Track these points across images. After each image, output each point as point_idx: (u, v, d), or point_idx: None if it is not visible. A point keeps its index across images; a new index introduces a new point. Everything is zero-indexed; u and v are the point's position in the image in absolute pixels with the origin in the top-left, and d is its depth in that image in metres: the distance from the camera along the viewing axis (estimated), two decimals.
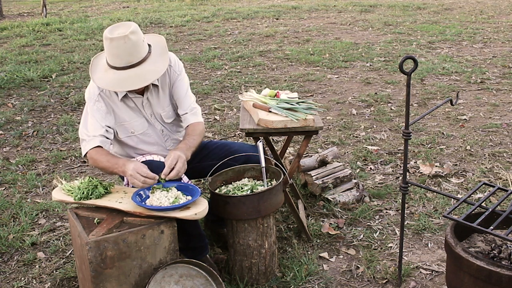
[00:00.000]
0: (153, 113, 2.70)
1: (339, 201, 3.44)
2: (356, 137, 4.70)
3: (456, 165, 4.04)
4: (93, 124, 2.56)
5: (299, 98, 3.19)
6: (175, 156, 2.41)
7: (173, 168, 2.39)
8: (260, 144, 2.71)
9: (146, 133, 2.70)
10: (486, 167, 3.95)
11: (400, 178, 3.84)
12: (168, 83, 2.72)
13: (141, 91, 2.63)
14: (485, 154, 4.21)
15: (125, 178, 2.63)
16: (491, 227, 2.04)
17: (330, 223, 3.24)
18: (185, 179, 2.65)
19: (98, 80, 2.50)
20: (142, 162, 2.57)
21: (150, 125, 2.71)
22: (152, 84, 2.62)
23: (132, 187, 2.54)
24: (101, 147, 2.54)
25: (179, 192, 2.42)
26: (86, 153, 2.56)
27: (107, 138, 2.57)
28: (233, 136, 4.85)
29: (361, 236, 3.12)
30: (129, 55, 2.41)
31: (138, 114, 2.66)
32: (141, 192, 2.42)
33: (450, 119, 5.03)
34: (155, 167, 2.51)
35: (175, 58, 2.74)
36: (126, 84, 2.44)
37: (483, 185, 2.49)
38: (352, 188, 3.56)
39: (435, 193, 3.52)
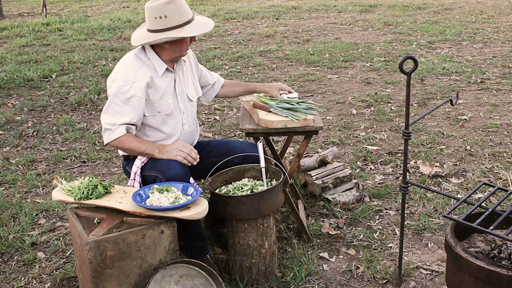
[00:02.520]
0: (181, 92, 2.77)
1: (339, 201, 3.44)
2: (356, 137, 4.70)
3: (456, 165, 4.04)
4: (120, 111, 2.55)
5: (299, 98, 3.19)
6: (277, 84, 3.09)
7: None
8: (260, 145, 2.71)
9: (170, 114, 2.71)
10: (486, 167, 3.95)
11: (400, 178, 3.84)
12: (191, 65, 2.89)
13: (172, 66, 2.72)
14: (485, 154, 4.21)
15: (132, 173, 2.64)
16: (491, 227, 2.04)
17: (330, 223, 3.24)
18: (190, 180, 2.64)
19: (178, 33, 2.55)
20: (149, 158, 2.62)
21: (175, 107, 2.73)
22: (182, 60, 2.78)
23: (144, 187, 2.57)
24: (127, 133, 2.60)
25: (179, 192, 2.42)
26: (113, 141, 2.58)
27: (132, 125, 2.60)
28: (233, 136, 4.85)
29: (361, 236, 3.12)
30: (186, 12, 2.58)
31: (169, 93, 2.70)
32: (141, 192, 2.42)
33: (450, 119, 5.03)
34: (168, 161, 2.56)
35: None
36: (199, 29, 2.59)
37: (483, 185, 2.49)
38: (352, 188, 3.56)
39: (435, 193, 3.53)
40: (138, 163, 2.63)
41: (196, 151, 2.63)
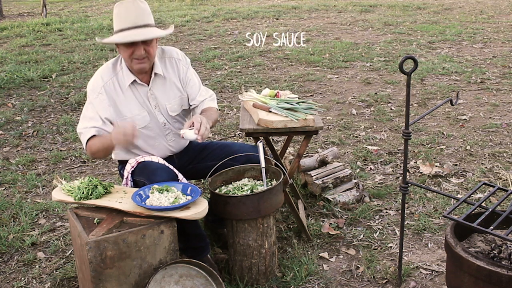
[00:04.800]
0: (158, 105, 2.70)
1: (339, 201, 3.44)
2: (356, 137, 4.70)
3: (456, 165, 4.04)
4: (92, 117, 2.57)
5: (299, 99, 3.19)
6: (196, 117, 2.48)
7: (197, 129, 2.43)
8: (260, 145, 2.71)
9: (148, 126, 2.69)
10: (486, 167, 3.95)
11: (400, 178, 3.84)
12: (177, 76, 2.77)
13: (147, 81, 2.65)
14: (485, 154, 4.21)
15: (124, 178, 2.63)
16: (491, 227, 2.03)
17: (330, 223, 3.24)
18: (184, 180, 2.65)
19: (105, 40, 2.59)
20: (141, 162, 2.60)
21: (152, 118, 2.70)
22: (156, 73, 2.66)
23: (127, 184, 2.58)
24: (95, 135, 2.54)
25: (179, 192, 2.42)
26: (86, 146, 2.57)
27: (103, 129, 2.56)
28: (233, 136, 4.85)
29: (361, 236, 3.12)
30: (135, 17, 2.49)
31: (142, 106, 2.66)
32: (141, 192, 2.42)
33: (450, 119, 5.03)
34: (154, 168, 2.54)
35: (182, 53, 2.84)
36: (128, 37, 2.47)
37: (483, 185, 2.49)
38: (352, 188, 3.56)
39: (435, 193, 3.52)
40: (129, 167, 2.63)
41: (130, 129, 2.37)
